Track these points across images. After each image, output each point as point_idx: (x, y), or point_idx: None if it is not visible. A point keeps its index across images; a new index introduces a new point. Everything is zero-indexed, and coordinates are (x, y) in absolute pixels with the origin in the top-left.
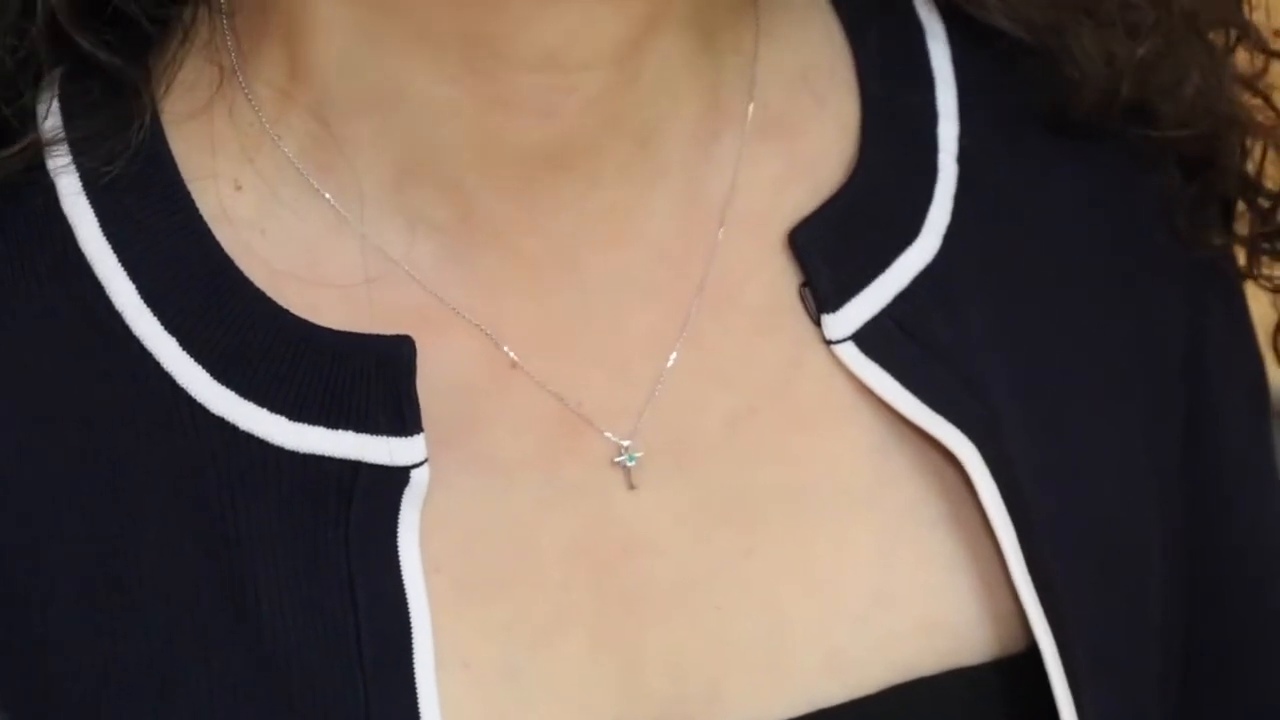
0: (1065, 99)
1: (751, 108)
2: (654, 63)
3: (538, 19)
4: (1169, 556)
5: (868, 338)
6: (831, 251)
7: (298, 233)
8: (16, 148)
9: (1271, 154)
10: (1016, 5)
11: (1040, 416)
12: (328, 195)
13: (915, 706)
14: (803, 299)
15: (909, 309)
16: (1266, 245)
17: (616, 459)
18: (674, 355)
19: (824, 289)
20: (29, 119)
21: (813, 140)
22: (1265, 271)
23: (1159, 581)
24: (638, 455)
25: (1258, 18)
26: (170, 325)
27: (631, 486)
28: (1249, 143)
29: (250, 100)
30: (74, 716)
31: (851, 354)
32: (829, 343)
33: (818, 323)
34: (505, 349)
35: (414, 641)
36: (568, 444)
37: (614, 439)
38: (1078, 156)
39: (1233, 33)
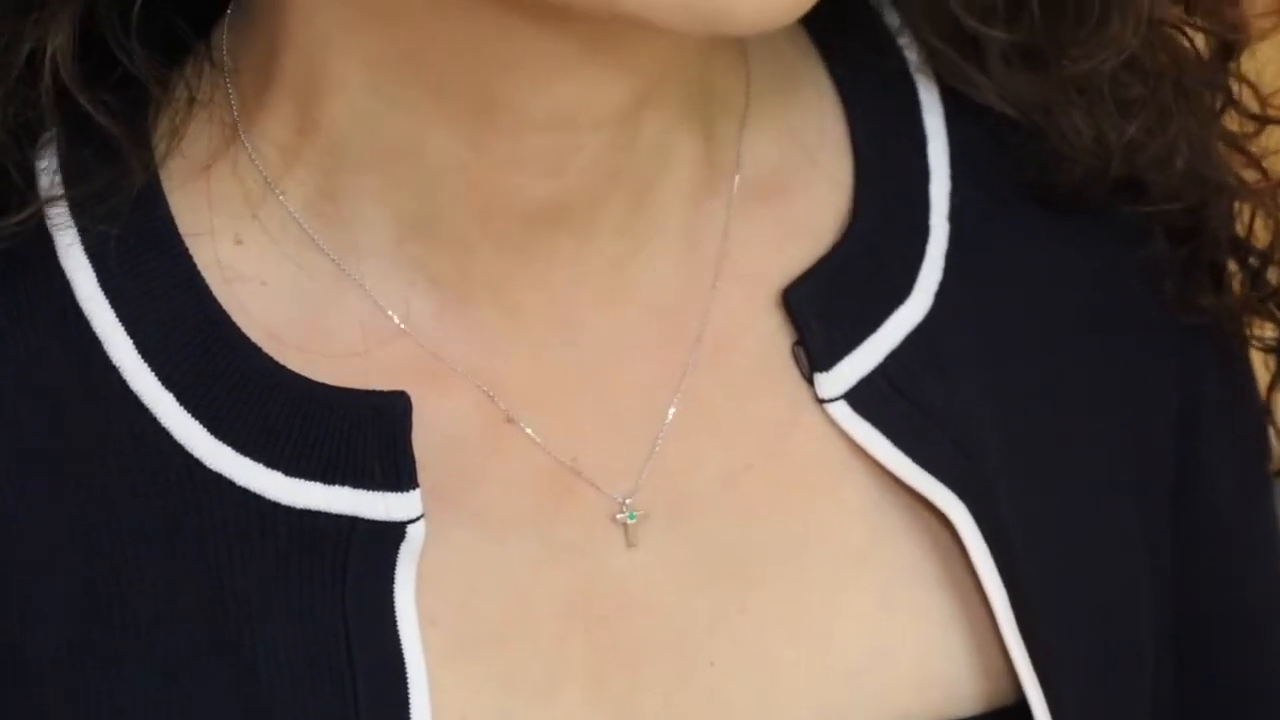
0: (1053, 174)
1: (743, 165)
2: (654, 121)
3: (553, 80)
4: (1160, 616)
5: (860, 397)
6: (824, 310)
7: (298, 287)
8: (24, 214)
9: (1261, 215)
10: (1007, 84)
11: (1030, 477)
12: (329, 250)
13: None
14: (795, 358)
15: (901, 368)
16: (1258, 306)
17: (617, 516)
18: (670, 412)
19: (817, 348)
20: (30, 177)
21: (805, 199)
22: (1256, 331)
23: (1148, 639)
24: (638, 513)
25: (1250, 77)
26: (167, 381)
27: (631, 544)
28: (1237, 205)
29: (253, 157)
30: None
31: (844, 413)
32: (821, 402)
33: (811, 381)
34: (501, 405)
35: (410, 698)
36: (563, 500)
37: (613, 496)
38: (1065, 226)
39: (1219, 98)
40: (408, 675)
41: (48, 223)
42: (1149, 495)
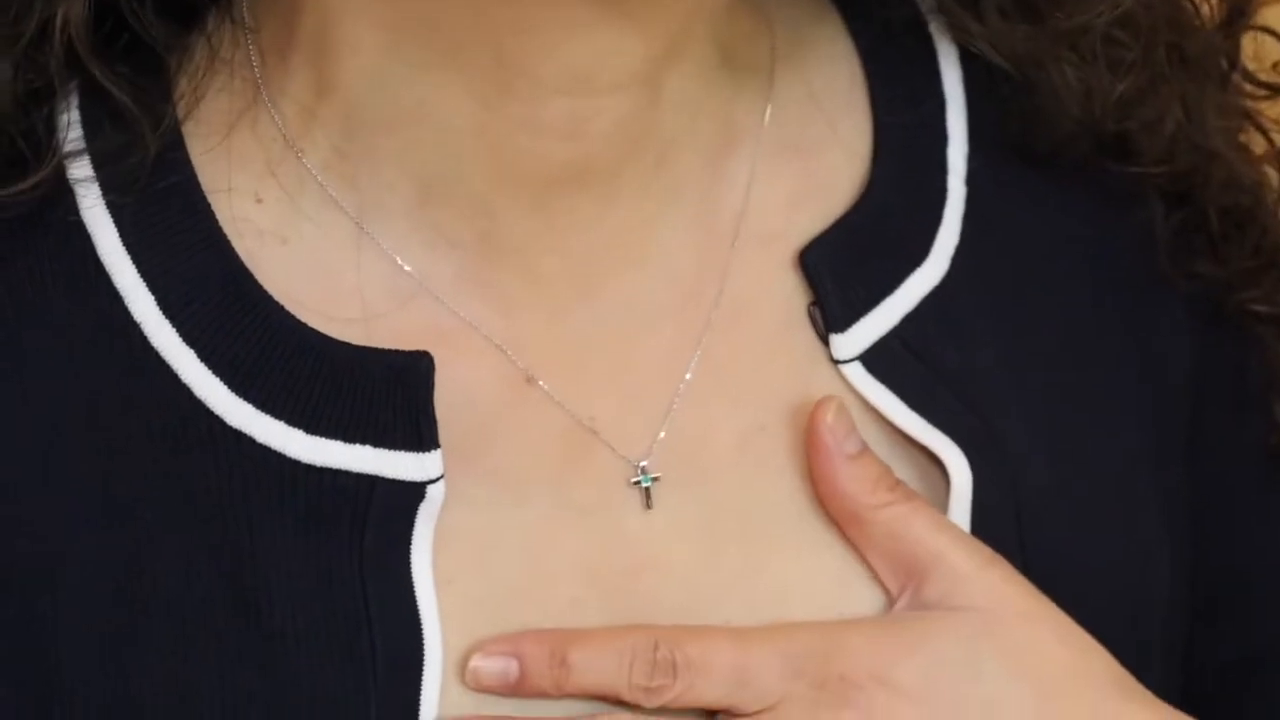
0: (1037, 128)
1: (765, 127)
2: (675, 83)
3: (568, 41)
4: (1174, 577)
5: (875, 358)
6: (841, 272)
7: (318, 245)
8: (37, 176)
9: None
10: (1002, 35)
11: (1044, 439)
12: (349, 209)
13: None
14: (811, 318)
15: (916, 330)
16: (1259, 277)
17: (634, 480)
18: (688, 374)
19: (833, 309)
20: (48, 137)
21: (825, 160)
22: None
23: (1161, 599)
24: (655, 476)
25: (1246, 54)
26: (189, 337)
27: (649, 507)
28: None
29: (274, 115)
30: None
31: (858, 374)
32: (836, 362)
33: (826, 342)
34: (521, 367)
35: (425, 658)
36: (581, 462)
37: (630, 459)
38: (1073, 182)
39: (1223, 64)
40: (423, 636)
41: (69, 179)
42: (1164, 458)
